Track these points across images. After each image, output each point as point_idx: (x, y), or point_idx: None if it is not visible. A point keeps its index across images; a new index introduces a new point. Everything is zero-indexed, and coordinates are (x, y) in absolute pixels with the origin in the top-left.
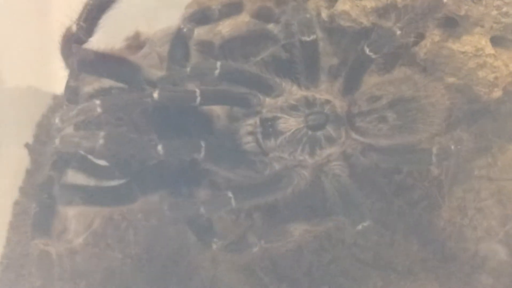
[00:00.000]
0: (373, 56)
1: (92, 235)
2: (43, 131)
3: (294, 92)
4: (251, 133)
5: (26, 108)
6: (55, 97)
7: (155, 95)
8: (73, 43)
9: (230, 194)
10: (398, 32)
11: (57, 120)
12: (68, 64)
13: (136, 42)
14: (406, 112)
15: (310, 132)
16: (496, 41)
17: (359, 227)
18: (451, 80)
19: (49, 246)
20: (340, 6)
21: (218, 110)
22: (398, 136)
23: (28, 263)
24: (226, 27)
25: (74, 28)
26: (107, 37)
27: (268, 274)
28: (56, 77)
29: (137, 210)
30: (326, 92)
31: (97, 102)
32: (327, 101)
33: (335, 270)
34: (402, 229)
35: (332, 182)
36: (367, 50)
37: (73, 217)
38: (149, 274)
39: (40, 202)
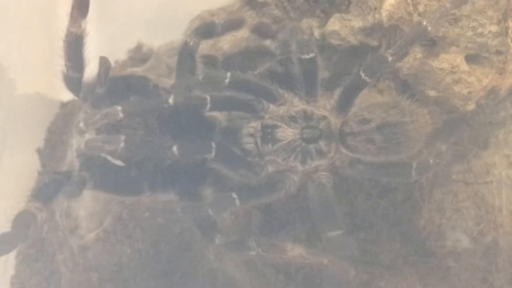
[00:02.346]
0: (368, 80)
1: (103, 232)
2: (53, 136)
3: (295, 104)
4: (251, 135)
5: (36, 115)
6: (62, 104)
7: (171, 100)
8: (71, 83)
9: (234, 195)
10: (390, 58)
11: (81, 124)
12: (80, 98)
13: (139, 54)
14: (392, 135)
15: (303, 144)
16: (471, 58)
17: (331, 233)
18: (431, 93)
19: (38, 211)
20: (330, 26)
21: (218, 115)
22: (383, 155)
23: None
24: (227, 43)
25: (64, 70)
26: (109, 49)
27: (267, 266)
28: (62, 87)
29: (144, 209)
30: (323, 108)
31: (119, 108)
32: (324, 117)
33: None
34: (386, 228)
35: (316, 190)
36: (362, 75)
37: (84, 216)
38: (156, 267)
39: (54, 176)
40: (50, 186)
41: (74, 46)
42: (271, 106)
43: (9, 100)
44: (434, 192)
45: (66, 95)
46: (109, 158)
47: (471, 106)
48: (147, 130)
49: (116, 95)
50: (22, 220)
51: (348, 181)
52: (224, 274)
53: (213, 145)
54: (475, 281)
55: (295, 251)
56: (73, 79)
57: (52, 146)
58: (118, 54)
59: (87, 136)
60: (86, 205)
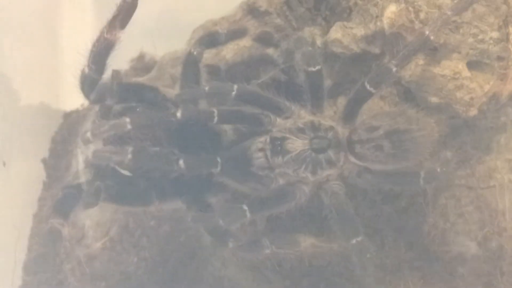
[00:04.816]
0: (373, 91)
1: (109, 241)
2: (58, 146)
3: (302, 116)
4: (261, 150)
5: (41, 125)
6: (65, 115)
7: (178, 114)
8: (87, 83)
9: (245, 207)
10: (394, 69)
11: (88, 134)
12: (90, 100)
13: (141, 63)
14: (400, 142)
15: (313, 154)
16: (472, 65)
17: (353, 241)
18: (434, 99)
19: (61, 226)
20: (332, 35)
21: (225, 126)
22: (391, 162)
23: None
24: (230, 52)
25: (86, 70)
26: (111, 58)
27: (273, 273)
28: (66, 97)
29: (150, 218)
30: (330, 119)
31: (127, 119)
32: (331, 127)
33: (331, 271)
34: (391, 233)
35: (331, 199)
36: (367, 86)
37: (91, 226)
38: (162, 275)
39: (66, 191)
40: (66, 200)
41: (104, 51)
42: (278, 119)
43: (14, 110)
44: (437, 197)
45: (70, 105)
46: (117, 168)
47: (473, 112)
48: (154, 142)
49: (125, 102)
50: (51, 239)
51: (352, 188)
52: (230, 281)
53: (219, 159)
54: (480, 285)
55: (307, 241)
56: (91, 80)
57: (57, 156)
58: (120, 63)
59: (93, 146)
60: (93, 214)
